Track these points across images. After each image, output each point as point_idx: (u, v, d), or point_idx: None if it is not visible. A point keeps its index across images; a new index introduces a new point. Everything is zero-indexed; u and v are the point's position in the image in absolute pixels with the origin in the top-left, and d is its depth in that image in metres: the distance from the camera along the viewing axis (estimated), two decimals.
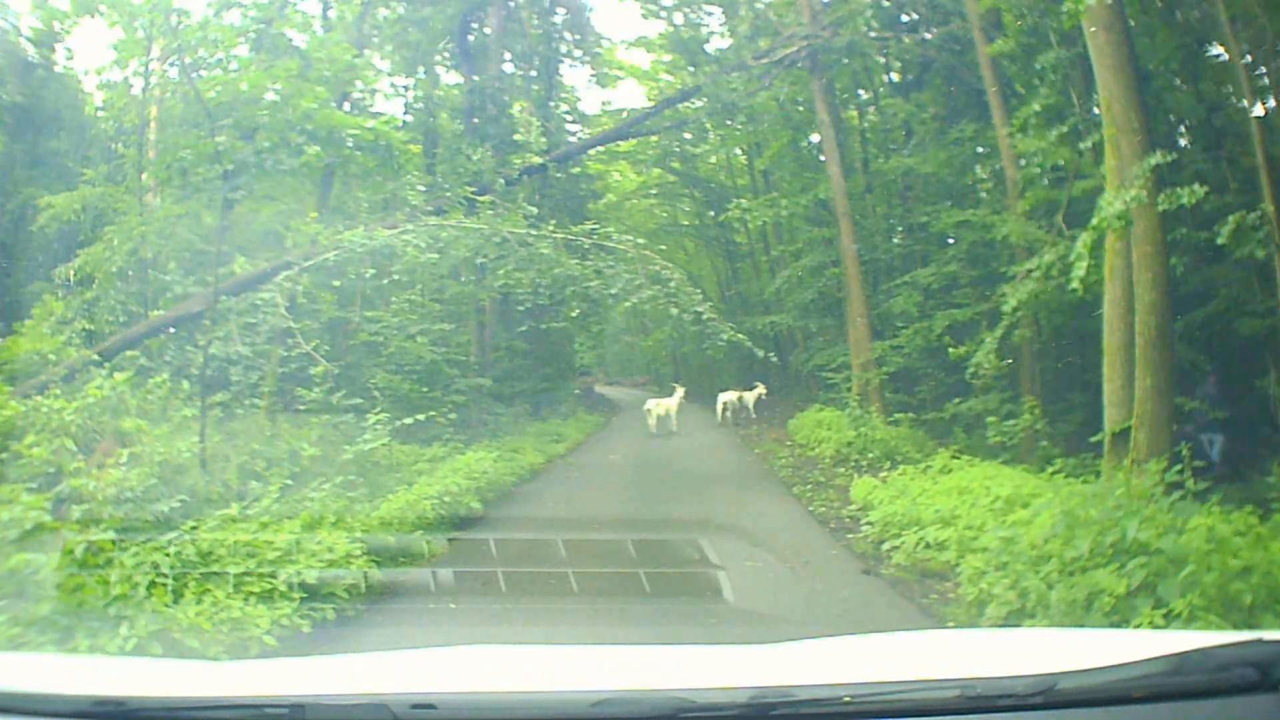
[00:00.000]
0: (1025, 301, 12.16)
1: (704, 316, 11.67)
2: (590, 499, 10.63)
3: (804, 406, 20.67)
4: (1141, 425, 9.55)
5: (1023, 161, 14.48)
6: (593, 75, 24.90)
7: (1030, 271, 12.02)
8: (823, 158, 22.17)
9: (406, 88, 20.84)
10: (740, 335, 12.08)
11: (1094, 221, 8.25)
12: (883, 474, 10.67)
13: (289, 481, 9.16)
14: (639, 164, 29.17)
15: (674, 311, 11.47)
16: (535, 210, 12.33)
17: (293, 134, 10.85)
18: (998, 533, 6.41)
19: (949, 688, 2.06)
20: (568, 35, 23.25)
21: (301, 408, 11.19)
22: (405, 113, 21.01)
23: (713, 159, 28.56)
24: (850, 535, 8.77)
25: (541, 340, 21.58)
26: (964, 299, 15.64)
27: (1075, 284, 8.29)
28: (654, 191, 30.17)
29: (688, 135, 27.09)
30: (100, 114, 21.14)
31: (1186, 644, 2.09)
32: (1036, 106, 11.74)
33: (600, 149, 26.50)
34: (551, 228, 11.80)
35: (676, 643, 3.06)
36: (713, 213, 28.77)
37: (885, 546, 7.96)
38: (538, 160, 14.59)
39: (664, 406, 17.48)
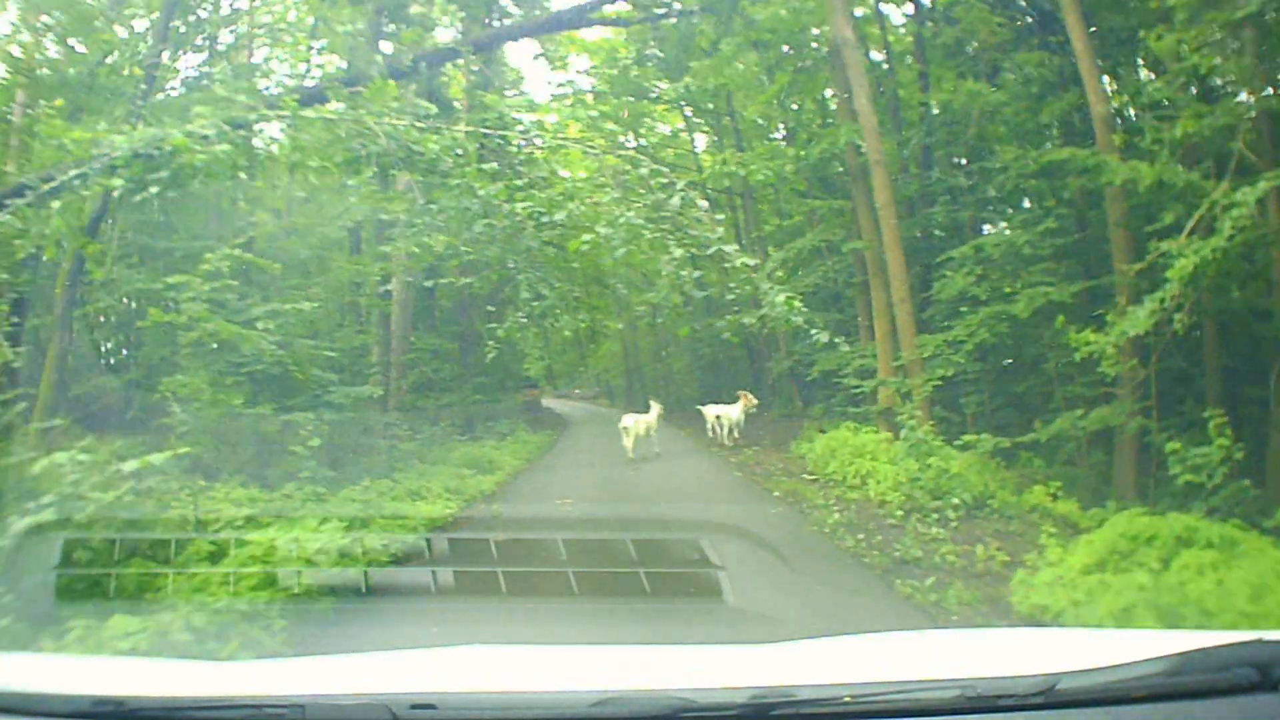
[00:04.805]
0: (1204, 266, 7.47)
1: (735, 260, 6.32)
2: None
3: (792, 421, 15.88)
4: None
5: (1138, 81, 9.83)
6: (540, 53, 19.41)
7: (1227, 210, 7.27)
8: (826, 111, 17.44)
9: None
10: (796, 302, 6.69)
11: None
12: (1048, 550, 5.53)
13: None
14: (591, 152, 24.30)
15: (676, 254, 6.17)
16: (433, 107, 6.85)
17: None
18: None
19: (949, 688, 1.93)
20: (513, 11, 18.11)
21: None
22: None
23: (671, 150, 23.97)
24: None
25: (475, 343, 16.43)
26: (1040, 276, 10.82)
27: None
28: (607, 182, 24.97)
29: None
30: None
31: (1186, 644, 1.93)
32: None
33: (546, 137, 21.49)
34: (462, 125, 6.50)
35: (676, 642, 2.59)
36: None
37: None
38: (445, 44, 9.22)
39: (643, 424, 12.87)
